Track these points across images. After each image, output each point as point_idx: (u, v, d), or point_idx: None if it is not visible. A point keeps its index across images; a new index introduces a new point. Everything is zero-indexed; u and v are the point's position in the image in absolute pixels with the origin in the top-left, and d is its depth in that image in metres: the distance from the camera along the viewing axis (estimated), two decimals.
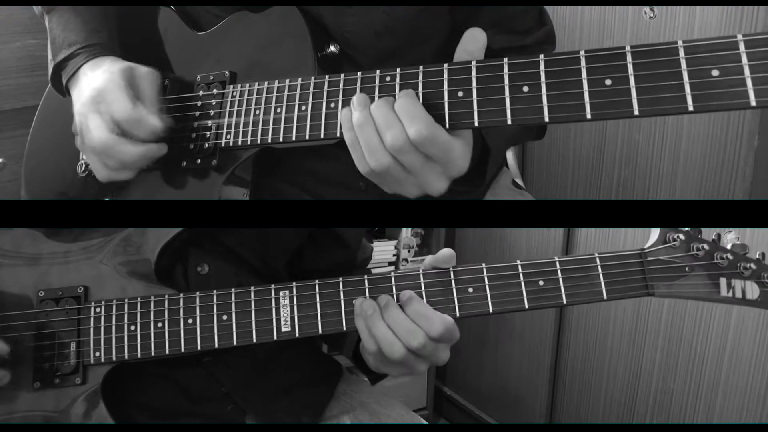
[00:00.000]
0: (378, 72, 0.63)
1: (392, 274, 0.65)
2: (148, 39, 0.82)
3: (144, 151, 0.71)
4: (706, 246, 0.64)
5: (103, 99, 0.70)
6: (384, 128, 0.58)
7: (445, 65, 0.60)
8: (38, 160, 0.89)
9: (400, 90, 0.62)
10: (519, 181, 1.00)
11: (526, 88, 0.57)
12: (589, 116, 0.54)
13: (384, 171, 0.60)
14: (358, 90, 0.64)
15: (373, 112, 0.59)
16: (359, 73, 0.64)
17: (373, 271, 0.93)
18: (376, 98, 0.62)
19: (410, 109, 0.58)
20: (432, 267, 0.65)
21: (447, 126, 0.59)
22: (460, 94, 0.59)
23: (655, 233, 0.65)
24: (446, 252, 0.65)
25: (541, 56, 0.56)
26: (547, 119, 0.56)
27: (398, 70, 0.62)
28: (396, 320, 0.62)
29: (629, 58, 0.53)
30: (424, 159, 0.59)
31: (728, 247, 0.64)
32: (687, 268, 0.64)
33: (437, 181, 0.60)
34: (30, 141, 0.90)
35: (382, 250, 1.87)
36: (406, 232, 1.93)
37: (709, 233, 0.65)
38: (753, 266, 0.63)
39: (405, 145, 0.58)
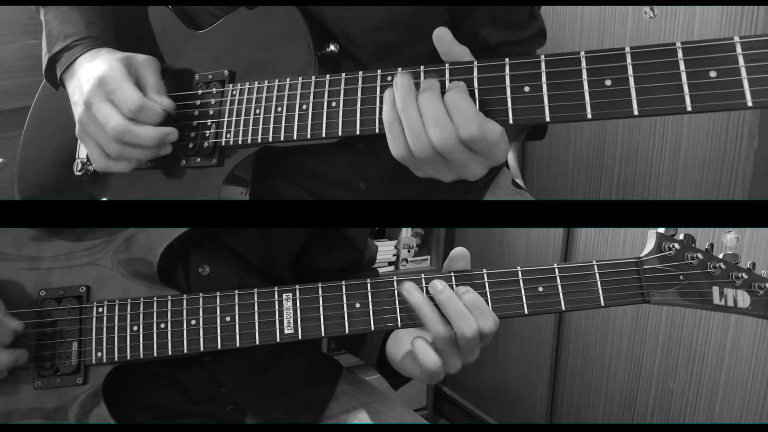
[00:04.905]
0: (379, 71, 0.63)
1: (394, 278, 0.65)
2: (145, 38, 0.82)
3: (162, 132, 0.70)
4: (699, 255, 0.65)
5: (108, 87, 0.70)
6: (432, 124, 0.57)
7: (447, 65, 0.60)
8: (32, 159, 0.89)
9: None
10: (519, 181, 1.00)
11: (527, 88, 0.57)
12: (589, 116, 0.55)
13: (423, 159, 0.59)
14: (359, 90, 0.64)
15: (422, 105, 0.58)
16: (360, 73, 0.64)
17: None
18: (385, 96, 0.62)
19: (462, 105, 0.57)
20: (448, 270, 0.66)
21: None
22: None
23: (651, 241, 0.66)
24: (455, 252, 0.66)
25: (542, 56, 0.57)
26: (548, 119, 0.56)
27: (400, 69, 0.62)
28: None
29: (629, 59, 0.54)
30: (469, 153, 0.59)
31: (721, 256, 0.66)
32: (681, 277, 0.65)
33: (477, 169, 0.60)
34: (23, 142, 0.90)
35: (382, 250, 1.87)
36: (405, 232, 1.93)
37: (702, 242, 0.66)
38: (744, 275, 0.65)
39: (455, 145, 0.57)
